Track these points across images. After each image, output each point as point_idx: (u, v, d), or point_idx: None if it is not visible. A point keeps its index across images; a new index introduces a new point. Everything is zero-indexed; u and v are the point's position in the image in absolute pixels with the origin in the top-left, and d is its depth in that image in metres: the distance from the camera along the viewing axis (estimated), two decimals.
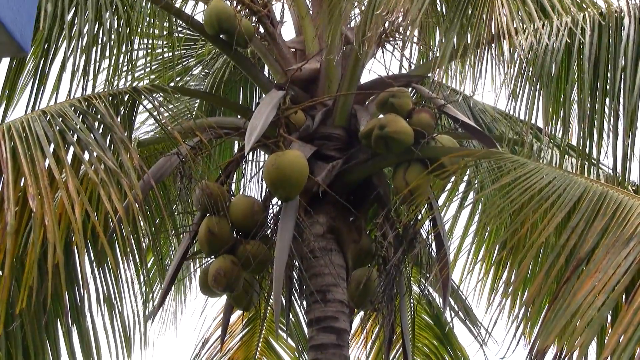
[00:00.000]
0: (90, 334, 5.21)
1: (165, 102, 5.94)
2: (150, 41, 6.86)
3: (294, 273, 6.12)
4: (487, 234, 6.63)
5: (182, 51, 7.73)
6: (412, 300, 7.06)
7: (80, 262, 4.76)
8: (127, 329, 5.35)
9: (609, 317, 3.90)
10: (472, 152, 5.57)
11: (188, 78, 8.01)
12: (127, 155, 4.74)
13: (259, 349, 7.85)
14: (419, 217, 5.95)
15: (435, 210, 5.85)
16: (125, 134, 5.29)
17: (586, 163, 5.49)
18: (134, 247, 5.72)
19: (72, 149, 4.70)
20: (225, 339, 7.37)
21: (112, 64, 5.84)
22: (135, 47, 6.33)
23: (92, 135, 4.79)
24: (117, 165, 4.67)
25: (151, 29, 6.66)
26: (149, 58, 7.28)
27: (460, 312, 6.82)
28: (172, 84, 7.44)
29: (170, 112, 5.97)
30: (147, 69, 7.38)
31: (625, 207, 4.03)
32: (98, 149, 4.64)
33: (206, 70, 8.00)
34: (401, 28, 6.54)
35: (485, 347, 6.33)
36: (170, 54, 7.46)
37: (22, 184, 4.37)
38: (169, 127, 5.43)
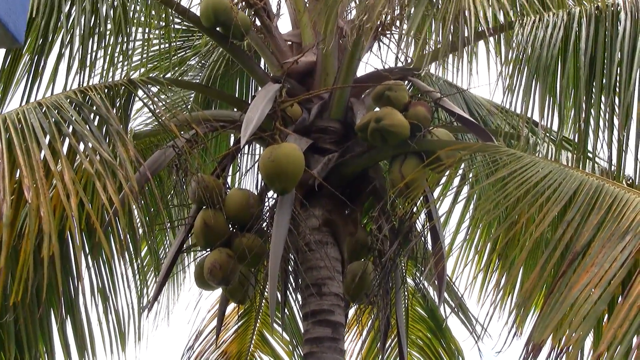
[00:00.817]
0: (85, 326, 5.21)
1: (160, 94, 5.93)
2: (146, 32, 6.83)
3: (289, 266, 6.12)
4: (482, 228, 6.63)
5: (179, 42, 7.71)
6: (406, 293, 7.06)
7: (76, 253, 4.74)
8: (121, 321, 5.34)
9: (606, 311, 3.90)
10: (468, 145, 5.57)
11: (185, 68, 7.98)
12: (123, 147, 4.73)
13: (253, 342, 7.85)
14: (415, 210, 5.95)
15: (431, 203, 5.85)
16: (121, 126, 5.27)
17: (582, 157, 5.50)
18: (129, 239, 5.71)
19: (67, 140, 4.68)
20: (220, 332, 7.38)
21: (109, 54, 5.82)
22: (132, 38, 6.29)
23: (87, 126, 4.77)
24: (113, 157, 4.65)
25: (148, 21, 6.63)
26: (145, 49, 7.24)
27: (454, 306, 6.84)
28: (167, 76, 7.41)
29: (166, 105, 5.95)
30: (144, 60, 7.35)
31: (621, 201, 4.03)
32: (94, 140, 4.63)
33: (202, 62, 7.98)
34: (397, 21, 6.53)
35: (480, 341, 6.36)
36: (166, 45, 7.42)
37: (17, 175, 4.36)
38: (165, 120, 5.41)
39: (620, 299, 3.47)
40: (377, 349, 7.70)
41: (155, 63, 7.51)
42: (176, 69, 7.84)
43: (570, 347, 3.32)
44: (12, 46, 2.71)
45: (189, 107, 7.48)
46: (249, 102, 6.15)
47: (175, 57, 7.70)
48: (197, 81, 7.87)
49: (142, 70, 7.32)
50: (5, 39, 2.63)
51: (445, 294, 6.53)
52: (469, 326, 6.97)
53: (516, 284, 5.31)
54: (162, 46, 7.46)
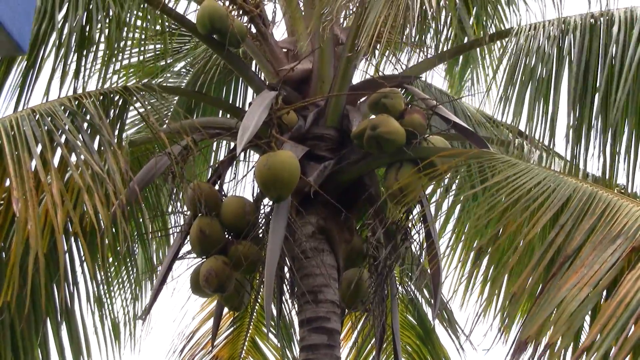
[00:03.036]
0: (80, 332, 5.20)
1: (155, 102, 5.92)
2: (139, 38, 6.84)
3: (285, 273, 6.11)
4: (470, 233, 6.63)
5: (175, 47, 7.72)
6: (398, 301, 7.06)
7: (60, 265, 4.71)
8: (116, 328, 5.34)
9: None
10: (464, 152, 5.56)
11: (168, 75, 7.97)
12: (114, 159, 4.70)
13: (245, 348, 7.83)
14: (410, 217, 5.94)
15: (426, 207, 5.85)
16: (117, 133, 5.28)
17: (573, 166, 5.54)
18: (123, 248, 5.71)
19: (59, 150, 4.66)
20: (210, 337, 7.38)
21: (106, 59, 5.82)
22: (127, 44, 6.31)
23: (80, 136, 4.76)
24: (104, 169, 4.63)
25: (142, 28, 6.64)
26: (140, 55, 7.24)
27: (443, 314, 6.84)
28: (152, 82, 7.40)
29: (160, 113, 5.95)
30: (140, 59, 7.35)
31: (614, 207, 4.02)
32: (85, 152, 4.61)
33: (187, 68, 7.98)
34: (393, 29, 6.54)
35: (468, 342, 6.40)
36: (150, 50, 7.40)
37: (7, 183, 4.35)
38: (158, 128, 5.41)
39: (609, 298, 3.46)
40: (365, 356, 7.73)
41: (149, 65, 7.50)
42: (163, 75, 7.83)
43: (557, 344, 3.32)
44: (16, 54, 2.74)
45: (180, 114, 7.46)
46: (237, 106, 6.14)
47: (172, 59, 7.70)
48: (183, 88, 7.84)
49: (132, 70, 7.31)
50: (9, 46, 2.65)
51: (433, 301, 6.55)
52: (455, 335, 7.00)
53: (502, 287, 5.30)
54: (154, 54, 7.44)
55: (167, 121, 6.06)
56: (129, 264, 6.42)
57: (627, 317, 3.19)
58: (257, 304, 7.22)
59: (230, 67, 6.82)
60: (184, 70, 8.05)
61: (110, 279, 5.49)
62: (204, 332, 7.52)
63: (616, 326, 3.14)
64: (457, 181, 6.35)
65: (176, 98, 7.68)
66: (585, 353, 3.15)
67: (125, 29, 5.96)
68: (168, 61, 7.69)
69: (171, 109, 7.58)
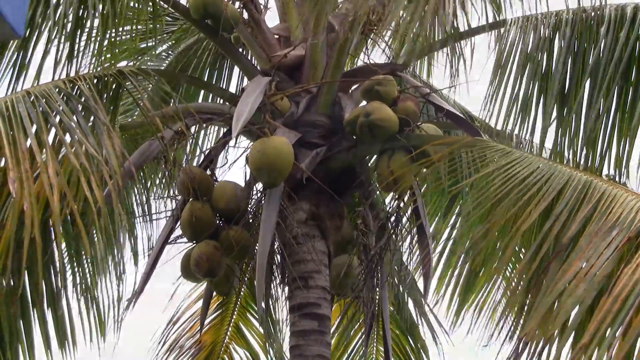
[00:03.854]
0: (65, 316, 5.18)
1: (148, 85, 5.90)
2: (132, 19, 6.79)
3: (275, 259, 6.12)
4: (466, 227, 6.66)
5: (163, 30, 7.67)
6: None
7: (57, 244, 4.68)
8: (102, 313, 5.33)
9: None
10: (457, 139, 5.57)
11: (157, 55, 7.92)
12: (110, 141, 4.68)
13: (228, 334, 7.82)
14: (401, 204, 5.96)
15: (418, 196, 5.86)
16: (110, 116, 5.25)
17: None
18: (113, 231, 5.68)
19: (54, 131, 4.64)
20: (194, 321, 7.38)
21: (98, 40, 5.78)
22: (120, 27, 6.26)
23: (75, 118, 4.74)
24: (99, 150, 4.61)
25: (136, 13, 6.60)
26: (133, 38, 7.19)
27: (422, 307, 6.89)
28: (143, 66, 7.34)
29: (153, 98, 5.92)
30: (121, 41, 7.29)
31: (609, 196, 4.04)
32: (80, 133, 4.59)
33: (168, 52, 7.93)
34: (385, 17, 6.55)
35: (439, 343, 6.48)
36: (129, 31, 7.34)
37: (2, 164, 4.33)
38: (151, 112, 5.38)
39: (605, 292, 3.49)
40: (349, 342, 7.77)
41: (134, 47, 7.45)
42: (143, 58, 7.77)
43: (555, 340, 3.35)
44: (12, 38, 2.73)
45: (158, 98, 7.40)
46: (228, 90, 6.07)
47: (157, 40, 7.64)
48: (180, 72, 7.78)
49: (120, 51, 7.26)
50: (4, 30, 2.64)
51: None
52: (436, 327, 7.06)
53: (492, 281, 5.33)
54: (127, 30, 7.36)
55: (143, 102, 5.98)
56: (115, 249, 6.39)
57: (625, 312, 3.20)
58: (244, 289, 7.22)
59: (222, 52, 6.79)
60: (164, 53, 7.99)
61: (98, 262, 5.45)
62: (189, 317, 7.51)
63: (614, 322, 3.16)
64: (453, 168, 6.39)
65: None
66: (584, 349, 3.16)
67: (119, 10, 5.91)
68: (153, 43, 7.64)
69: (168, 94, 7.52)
